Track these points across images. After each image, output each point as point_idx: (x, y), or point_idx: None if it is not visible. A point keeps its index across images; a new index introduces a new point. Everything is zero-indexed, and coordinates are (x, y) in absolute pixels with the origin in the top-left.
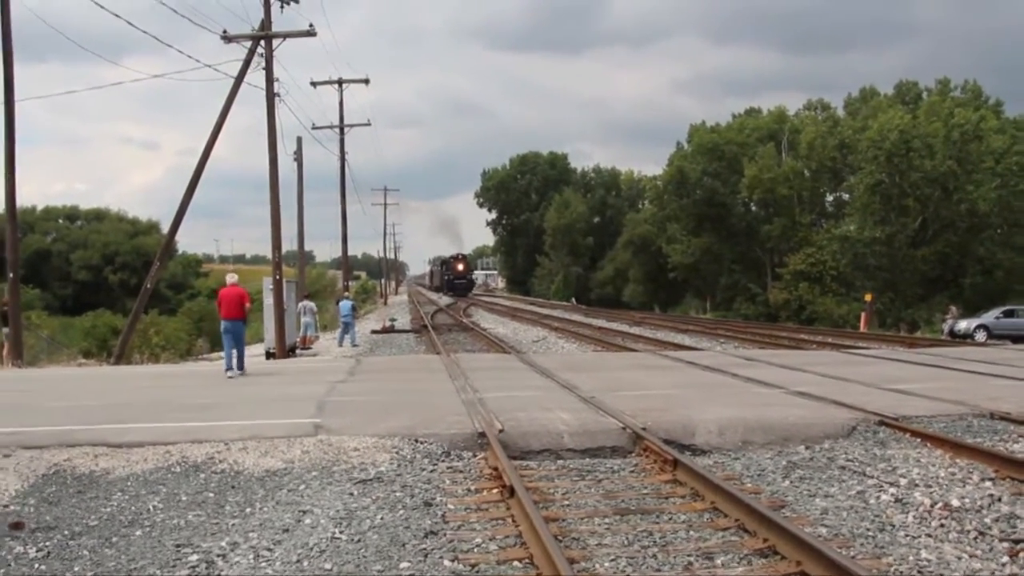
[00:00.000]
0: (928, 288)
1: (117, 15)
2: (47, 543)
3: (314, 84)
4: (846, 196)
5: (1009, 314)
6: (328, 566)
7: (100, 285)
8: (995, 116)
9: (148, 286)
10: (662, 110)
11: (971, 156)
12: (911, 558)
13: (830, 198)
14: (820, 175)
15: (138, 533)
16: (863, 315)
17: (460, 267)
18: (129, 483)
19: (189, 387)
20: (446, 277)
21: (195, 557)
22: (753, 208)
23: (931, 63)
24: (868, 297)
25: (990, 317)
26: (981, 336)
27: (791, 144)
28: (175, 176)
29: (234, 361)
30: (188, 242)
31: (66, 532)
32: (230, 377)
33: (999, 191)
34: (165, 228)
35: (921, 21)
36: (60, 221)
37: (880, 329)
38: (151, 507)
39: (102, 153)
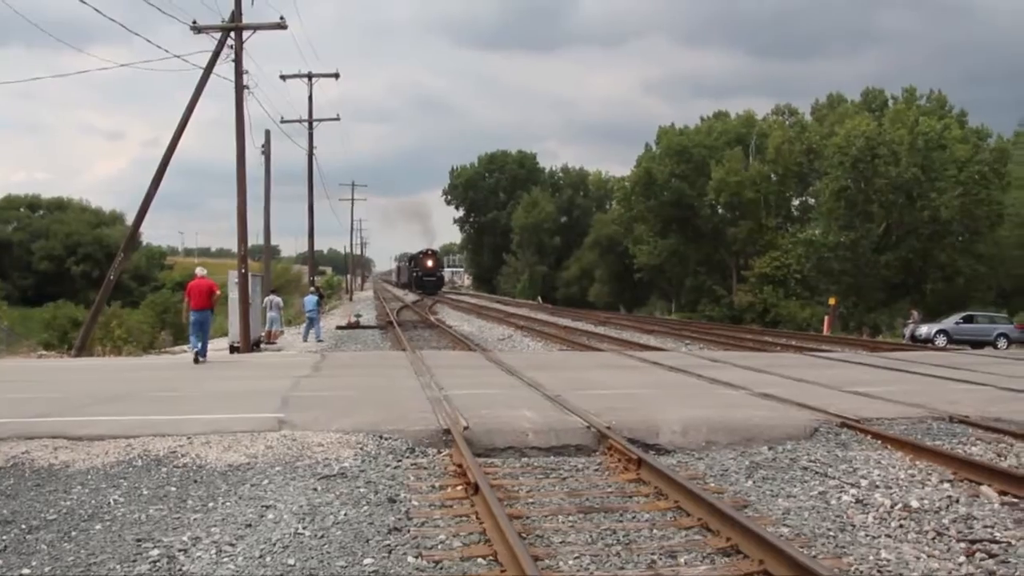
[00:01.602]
0: (891, 293)
1: (83, 0)
2: (4, 537)
3: (283, 77)
4: (812, 201)
5: (968, 320)
6: (291, 561)
7: (62, 276)
8: (959, 125)
9: (111, 277)
10: (631, 111)
11: (935, 164)
12: (871, 558)
13: (796, 202)
14: (787, 179)
15: (98, 527)
16: (826, 318)
17: (430, 263)
18: (89, 476)
19: (151, 380)
20: (415, 273)
21: (156, 552)
22: (720, 211)
23: (897, 72)
24: (832, 301)
25: (950, 322)
26: (941, 341)
27: (758, 148)
28: (139, 167)
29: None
30: (152, 234)
31: (24, 526)
32: (197, 363)
33: (961, 199)
34: (129, 219)
35: (888, 30)
36: (21, 210)
37: (843, 333)
38: (111, 501)
39: (64, 142)
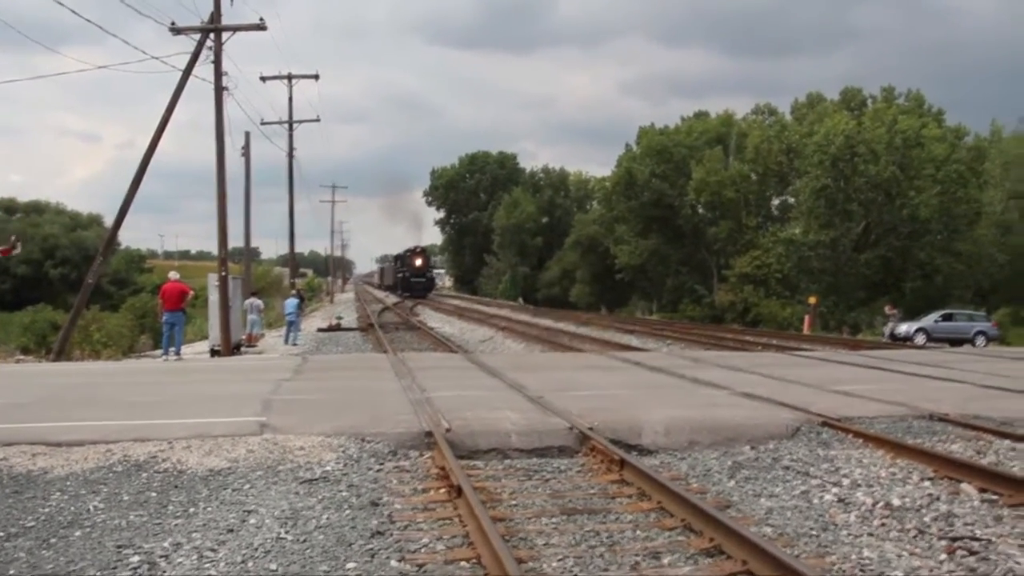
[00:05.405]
0: (870, 292)
1: (61, 2)
2: None
3: (263, 79)
4: (792, 200)
5: (947, 318)
6: (273, 567)
7: (40, 280)
8: (937, 124)
9: (90, 281)
10: (608, 111)
11: (913, 163)
12: (853, 556)
13: (776, 202)
14: (766, 179)
15: (77, 534)
16: (807, 317)
17: (418, 262)
18: (68, 483)
19: (131, 384)
20: (401, 274)
21: (137, 558)
22: (700, 211)
23: (876, 71)
24: (812, 300)
25: (929, 321)
26: (920, 339)
27: (738, 147)
28: (115, 169)
29: (171, 348)
30: (132, 237)
31: (1, 534)
32: (165, 361)
33: (939, 198)
34: (108, 221)
35: (866, 29)
36: None
37: (823, 331)
38: (91, 507)
39: (39, 144)
